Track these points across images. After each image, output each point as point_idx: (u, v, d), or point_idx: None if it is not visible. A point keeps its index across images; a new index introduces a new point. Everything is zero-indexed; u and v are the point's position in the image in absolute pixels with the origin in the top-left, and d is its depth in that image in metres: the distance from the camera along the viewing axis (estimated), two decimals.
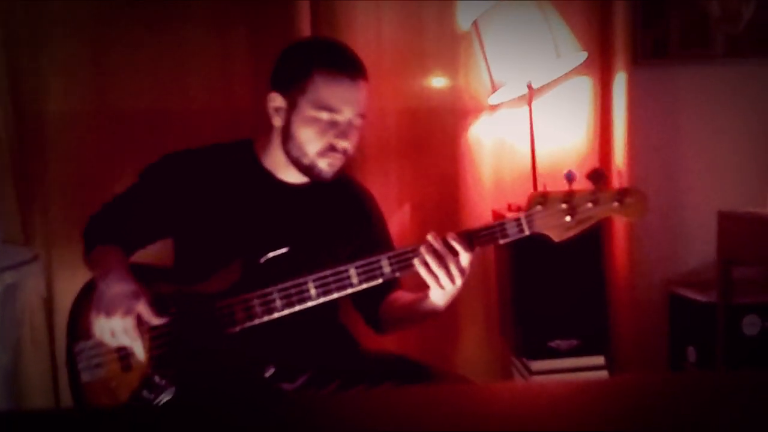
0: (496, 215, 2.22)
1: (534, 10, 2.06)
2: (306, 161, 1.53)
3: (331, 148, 1.51)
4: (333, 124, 1.50)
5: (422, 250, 1.38)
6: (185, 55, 2.12)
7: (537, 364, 2.03)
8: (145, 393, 1.44)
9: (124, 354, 1.45)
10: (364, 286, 1.42)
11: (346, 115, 1.51)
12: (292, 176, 1.59)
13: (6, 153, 2.04)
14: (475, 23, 2.20)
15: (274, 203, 1.59)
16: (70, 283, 1.61)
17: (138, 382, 1.44)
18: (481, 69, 2.22)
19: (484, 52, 2.15)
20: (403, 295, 1.60)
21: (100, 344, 1.45)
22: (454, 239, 1.37)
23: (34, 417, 0.73)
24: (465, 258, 1.38)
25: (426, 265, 1.38)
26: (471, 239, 1.39)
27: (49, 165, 2.09)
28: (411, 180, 2.27)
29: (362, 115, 1.54)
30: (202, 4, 2.13)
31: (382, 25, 2.22)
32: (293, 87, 1.51)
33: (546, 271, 2.02)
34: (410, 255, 1.40)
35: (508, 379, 2.27)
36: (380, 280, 1.42)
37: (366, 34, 2.20)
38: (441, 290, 1.40)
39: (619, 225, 2.30)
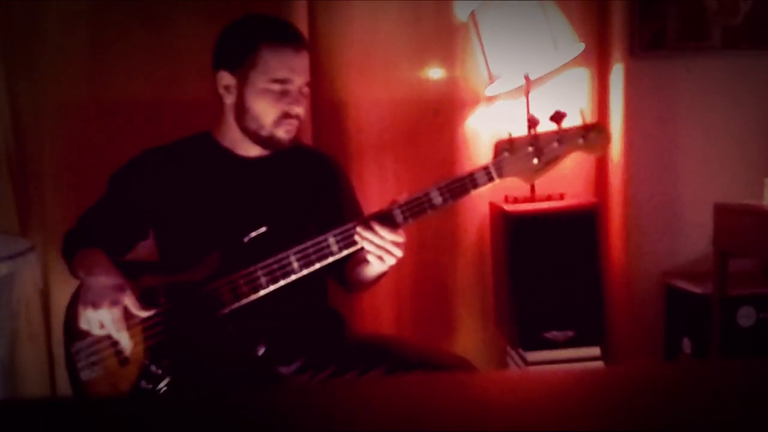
0: (493, 207, 2.22)
1: (532, 2, 2.06)
2: (264, 133, 1.57)
3: (286, 116, 1.56)
4: (285, 93, 1.55)
5: (357, 230, 1.41)
6: (181, 48, 2.11)
7: (533, 355, 2.04)
8: (143, 384, 1.45)
9: (119, 349, 1.46)
10: (345, 252, 1.45)
11: (296, 83, 1.56)
12: (252, 150, 1.62)
13: (2, 143, 2.03)
14: (472, 14, 2.19)
15: (239, 179, 1.62)
16: (66, 275, 1.61)
17: (136, 374, 1.45)
18: (478, 60, 2.22)
19: (481, 44, 2.15)
20: (358, 256, 1.59)
21: (96, 342, 1.47)
22: (375, 222, 1.40)
23: (31, 405, 0.73)
24: (392, 236, 1.40)
25: (367, 241, 1.41)
26: (392, 218, 1.41)
27: (45, 155, 2.09)
28: (408, 171, 2.27)
29: (309, 84, 1.60)
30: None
31: (380, 17, 2.22)
32: (242, 63, 1.55)
33: (542, 263, 2.02)
34: (387, 217, 1.43)
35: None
36: (359, 245, 1.44)
37: (363, 26, 2.20)
38: (380, 262, 1.43)
39: (616, 216, 2.31)
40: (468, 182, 1.44)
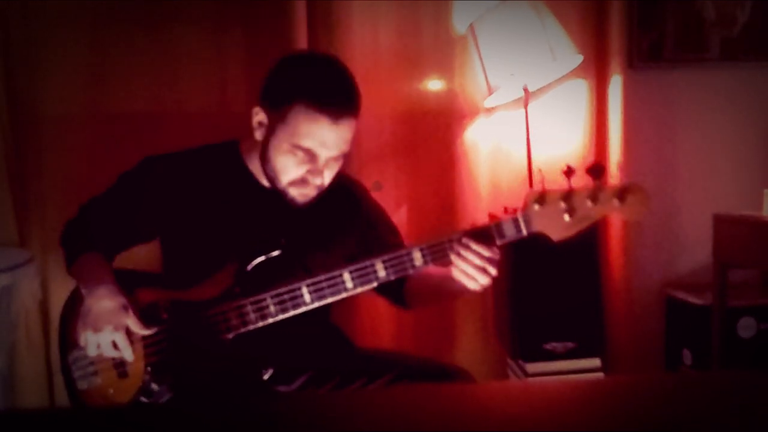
0: (493, 218, 2.22)
1: (530, 13, 2.07)
2: (279, 186, 1.48)
3: (304, 182, 1.46)
4: (309, 160, 1.44)
5: (453, 258, 1.33)
6: (180, 57, 2.12)
7: (533, 367, 2.03)
8: (142, 399, 1.43)
9: (119, 361, 1.44)
10: (359, 290, 1.39)
11: (324, 156, 1.43)
12: None
13: (2, 154, 2.03)
14: (471, 26, 2.20)
15: (260, 206, 1.55)
16: (65, 285, 1.61)
17: (135, 388, 1.43)
18: (477, 72, 2.22)
19: (480, 56, 2.16)
20: (432, 272, 1.48)
21: None
22: (473, 242, 1.32)
23: (30, 416, 0.73)
24: (493, 253, 1.33)
25: (462, 271, 1.34)
26: (487, 236, 1.34)
27: (44, 166, 2.09)
28: (407, 183, 2.27)
29: (343, 154, 1.46)
30: (198, 5, 2.13)
31: (379, 28, 2.23)
32: (275, 109, 1.44)
33: (542, 274, 2.02)
34: (405, 258, 1.37)
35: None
36: (375, 284, 1.39)
37: (362, 37, 2.21)
38: (476, 285, 1.36)
39: (616, 228, 2.31)
40: (495, 232, 1.35)
